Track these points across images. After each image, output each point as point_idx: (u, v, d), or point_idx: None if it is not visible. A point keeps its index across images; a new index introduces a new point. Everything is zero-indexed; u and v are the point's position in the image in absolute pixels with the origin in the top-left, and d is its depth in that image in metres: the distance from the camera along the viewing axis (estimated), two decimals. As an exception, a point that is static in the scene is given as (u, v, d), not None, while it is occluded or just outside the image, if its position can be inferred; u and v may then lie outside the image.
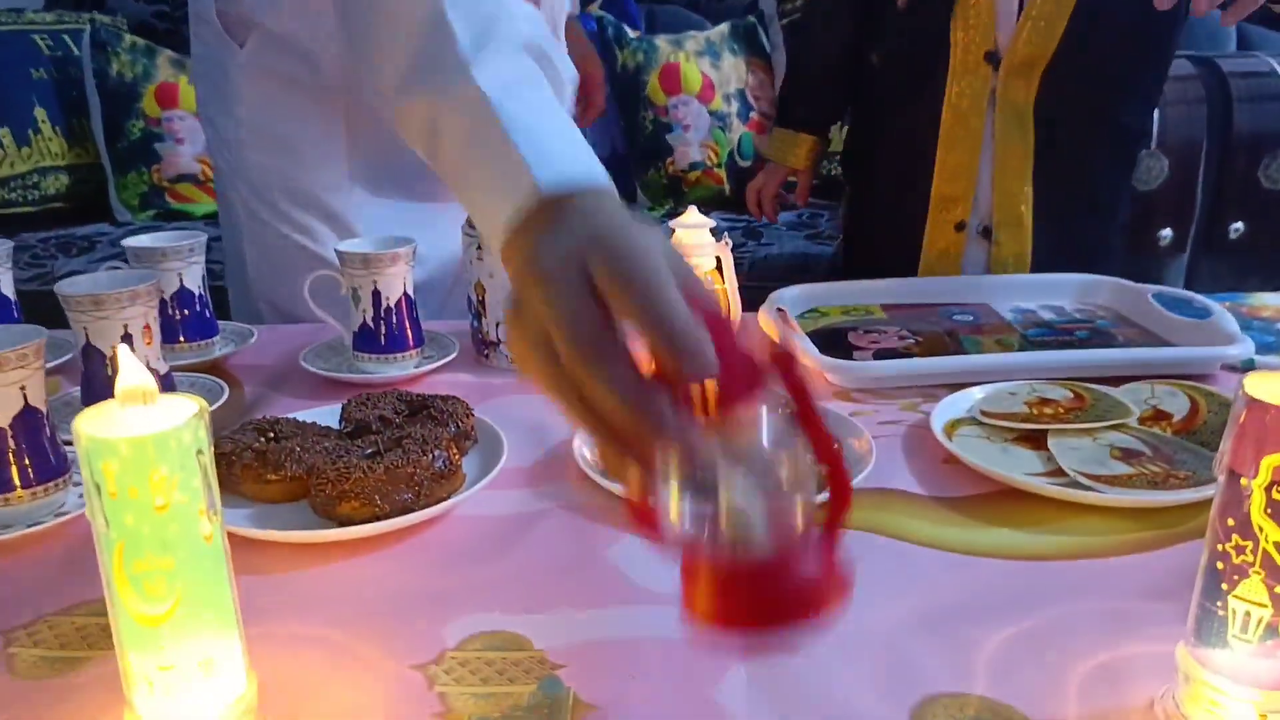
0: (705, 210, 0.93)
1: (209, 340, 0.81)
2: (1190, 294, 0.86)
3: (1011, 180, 1.05)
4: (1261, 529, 0.34)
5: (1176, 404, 0.63)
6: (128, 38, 1.70)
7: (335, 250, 0.77)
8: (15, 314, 0.80)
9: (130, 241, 0.79)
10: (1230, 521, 0.35)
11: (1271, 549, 0.35)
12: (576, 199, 0.40)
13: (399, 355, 0.78)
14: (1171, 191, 1.37)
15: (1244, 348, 0.73)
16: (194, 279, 0.80)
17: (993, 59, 1.01)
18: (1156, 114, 1.39)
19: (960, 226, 1.07)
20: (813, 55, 1.22)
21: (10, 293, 0.80)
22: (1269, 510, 0.34)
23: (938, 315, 0.90)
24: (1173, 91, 1.38)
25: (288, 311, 0.94)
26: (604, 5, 1.82)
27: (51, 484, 0.56)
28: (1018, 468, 0.57)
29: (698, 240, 0.76)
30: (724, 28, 1.72)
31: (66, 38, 1.73)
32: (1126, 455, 0.57)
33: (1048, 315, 0.90)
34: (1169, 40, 1.04)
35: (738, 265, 1.40)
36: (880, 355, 0.79)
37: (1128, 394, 0.65)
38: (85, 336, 0.64)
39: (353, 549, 0.52)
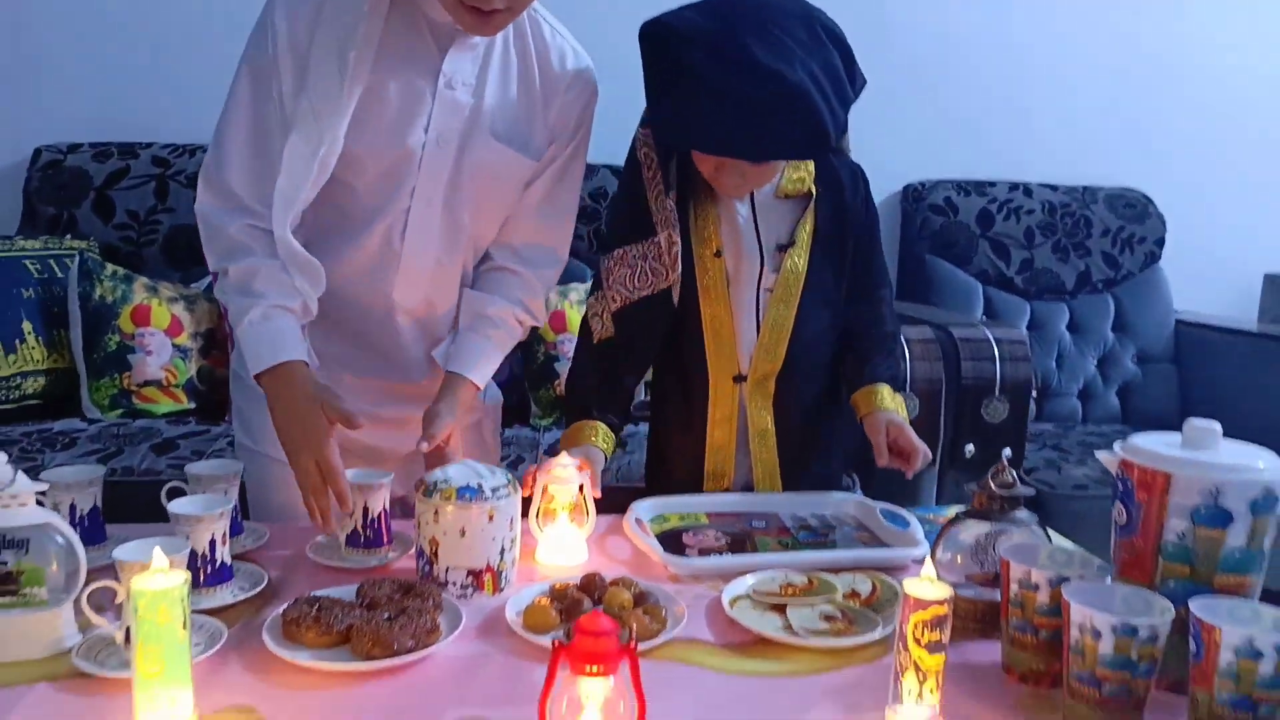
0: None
1: (239, 537, 1.16)
2: (899, 510, 1.31)
3: (765, 453, 1.41)
4: (909, 650, 0.76)
5: (865, 587, 1.07)
6: (109, 266, 2.06)
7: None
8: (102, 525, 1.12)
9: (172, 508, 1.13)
10: (900, 646, 0.77)
11: (915, 659, 0.76)
12: None
13: (376, 550, 1.15)
14: (922, 423, 1.89)
15: (921, 550, 1.18)
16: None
17: (739, 380, 1.38)
18: (909, 365, 1.93)
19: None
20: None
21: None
22: (913, 640, 0.76)
23: (742, 522, 1.33)
24: (919, 350, 1.92)
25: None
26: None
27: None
28: (768, 625, 0.98)
29: (567, 476, 1.17)
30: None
31: (53, 263, 2.07)
32: (828, 618, 1.00)
33: (814, 522, 1.34)
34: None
35: (611, 469, 1.77)
36: (703, 551, 1.21)
37: (840, 580, 1.08)
38: (189, 537, 0.99)
39: (377, 676, 0.87)
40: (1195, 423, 0.90)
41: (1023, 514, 1.02)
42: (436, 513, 1.05)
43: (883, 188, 2.72)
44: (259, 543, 1.17)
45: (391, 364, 1.33)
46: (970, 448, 1.92)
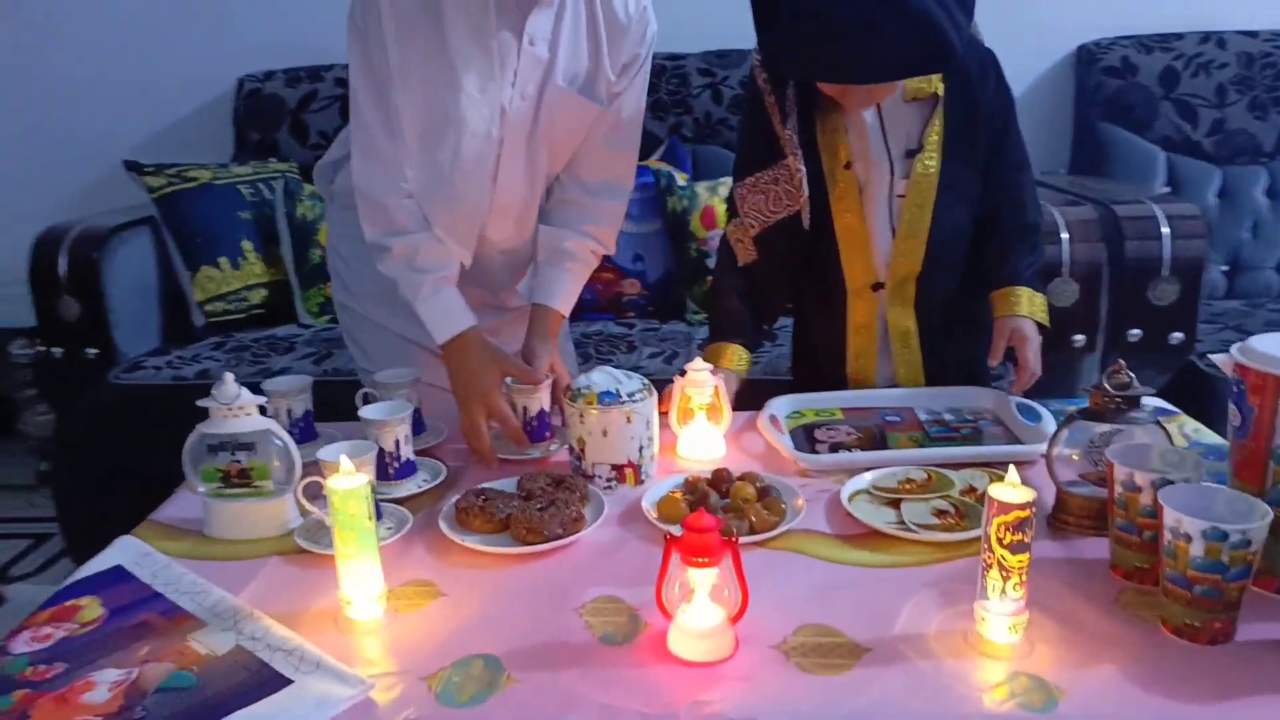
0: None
1: (422, 435, 1.35)
2: (1034, 404, 1.33)
3: (908, 353, 1.46)
4: (993, 550, 0.83)
5: (982, 483, 1.12)
6: (307, 187, 2.30)
7: (506, 383, 1.30)
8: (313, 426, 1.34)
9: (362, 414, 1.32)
10: (985, 545, 0.84)
11: (999, 558, 0.83)
12: None
13: (539, 444, 1.31)
14: (1081, 307, 1.85)
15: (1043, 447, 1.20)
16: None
17: (877, 288, 1.42)
18: (1067, 247, 1.86)
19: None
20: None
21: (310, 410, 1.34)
22: (996, 541, 0.82)
23: (876, 416, 1.39)
24: (1078, 231, 1.85)
25: None
26: (663, 156, 2.37)
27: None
28: (881, 519, 1.06)
29: (703, 380, 1.27)
30: (752, 173, 2.26)
31: (262, 186, 2.33)
32: (940, 514, 1.06)
33: (949, 416, 1.38)
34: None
35: (755, 363, 1.82)
36: (834, 447, 1.28)
37: (959, 477, 1.13)
38: (377, 439, 1.17)
39: (531, 559, 1.03)
40: (1319, 326, 0.88)
41: (1141, 413, 1.04)
42: (581, 416, 1.18)
43: (1054, 50, 2.55)
44: (439, 439, 1.36)
45: (485, 284, 1.49)
46: (1135, 332, 1.86)
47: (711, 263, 2.15)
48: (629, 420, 1.17)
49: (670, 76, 2.48)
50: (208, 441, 1.09)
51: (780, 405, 1.41)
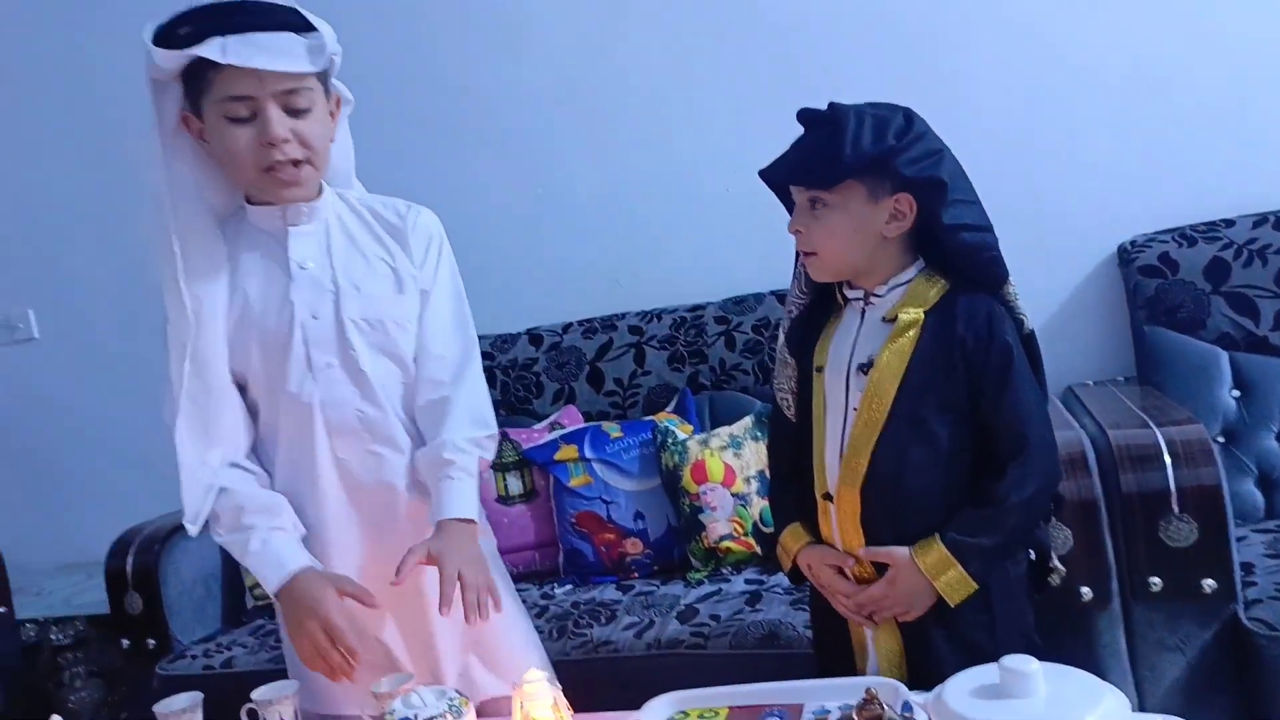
0: (739, 569, 1.82)
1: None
2: (914, 701, 1.15)
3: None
4: None
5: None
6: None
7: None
8: None
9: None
10: None
11: None
12: None
13: None
14: (1082, 555, 1.60)
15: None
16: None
17: (827, 497, 1.38)
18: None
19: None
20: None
21: None
22: None
23: (759, 717, 1.26)
24: (1064, 463, 1.63)
25: None
26: (675, 408, 2.38)
27: None
28: None
29: (535, 691, 1.21)
30: (748, 420, 2.20)
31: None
32: None
33: (834, 715, 1.22)
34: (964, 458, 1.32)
35: (731, 628, 1.70)
36: (687, 761, 1.17)
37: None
38: None
39: None
40: (1006, 663, 0.73)
41: (910, 749, 0.88)
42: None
43: (1096, 251, 2.36)
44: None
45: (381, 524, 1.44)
46: (1156, 581, 1.57)
47: (705, 517, 2.09)
48: (427, 745, 1.14)
49: (689, 327, 2.52)
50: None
51: (660, 707, 1.31)
